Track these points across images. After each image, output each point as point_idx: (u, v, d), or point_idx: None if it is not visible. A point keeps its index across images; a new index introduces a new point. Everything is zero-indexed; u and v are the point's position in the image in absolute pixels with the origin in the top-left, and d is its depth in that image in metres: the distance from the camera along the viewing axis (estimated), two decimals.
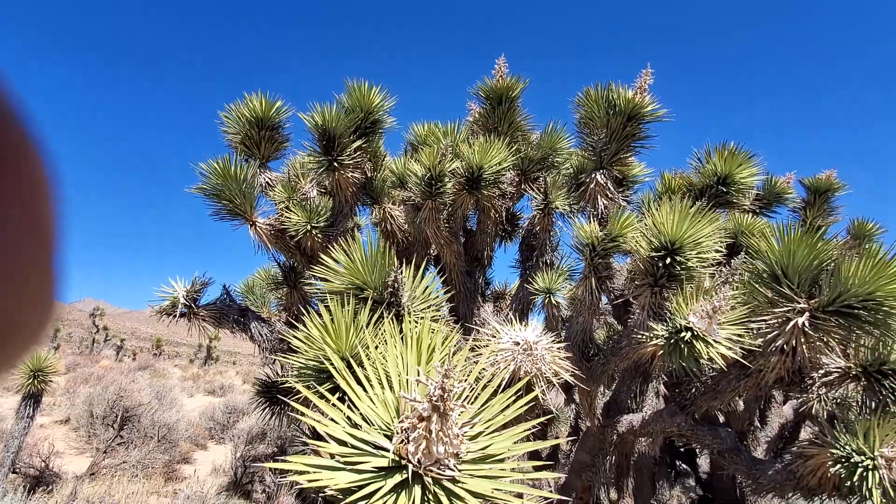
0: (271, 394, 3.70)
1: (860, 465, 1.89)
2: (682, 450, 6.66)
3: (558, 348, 2.18)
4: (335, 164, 3.15)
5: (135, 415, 6.32)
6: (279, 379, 3.47)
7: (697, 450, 6.35)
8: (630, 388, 3.18)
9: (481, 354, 1.95)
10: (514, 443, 1.07)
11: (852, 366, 2.27)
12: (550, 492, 2.91)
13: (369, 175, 3.75)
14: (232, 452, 6.25)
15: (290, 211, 3.30)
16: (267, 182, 3.60)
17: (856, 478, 1.89)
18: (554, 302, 3.32)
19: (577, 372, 2.33)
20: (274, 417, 3.85)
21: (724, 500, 5.09)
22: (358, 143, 3.24)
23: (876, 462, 1.89)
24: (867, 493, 1.90)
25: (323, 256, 2.21)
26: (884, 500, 1.91)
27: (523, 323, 2.24)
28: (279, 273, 4.03)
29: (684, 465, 6.83)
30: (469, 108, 3.97)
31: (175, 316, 3.37)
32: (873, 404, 2.21)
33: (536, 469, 1.32)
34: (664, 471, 6.19)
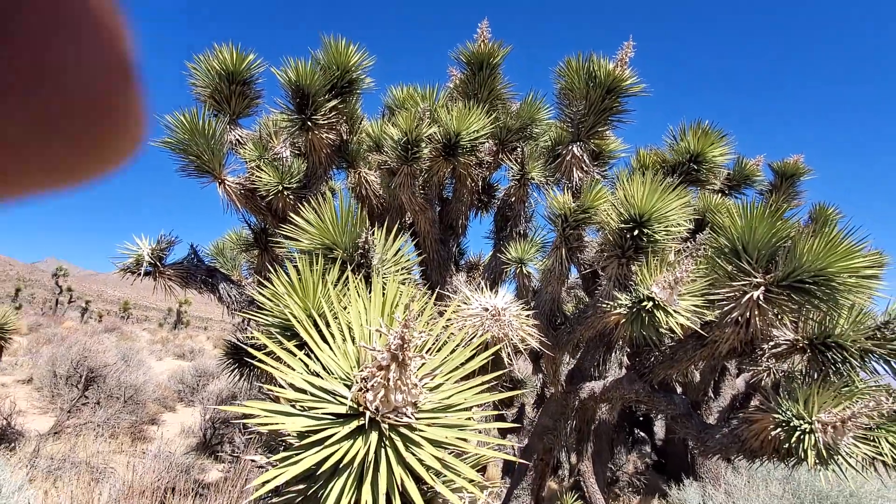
0: (240, 356, 3.68)
1: (798, 428, 2.03)
2: (640, 419, 6.99)
3: (526, 316, 2.22)
4: (309, 123, 3.07)
5: (100, 375, 6.21)
6: (248, 337, 3.45)
7: (653, 416, 6.69)
8: (594, 357, 3.29)
9: (450, 318, 1.98)
10: (475, 395, 1.10)
11: (800, 338, 2.40)
12: (511, 451, 3.03)
13: (345, 137, 3.67)
14: (201, 414, 6.24)
15: (262, 170, 3.21)
16: (237, 139, 3.48)
17: (794, 440, 2.02)
18: (525, 272, 3.37)
19: (543, 339, 2.40)
20: (243, 379, 3.84)
21: (675, 463, 5.40)
22: (333, 102, 3.15)
23: (813, 426, 2.02)
24: (803, 454, 2.04)
25: (293, 216, 2.18)
26: (817, 461, 2.06)
27: (494, 291, 2.27)
28: (250, 235, 3.95)
29: (642, 433, 7.19)
30: (450, 73, 3.89)
31: (140, 274, 3.28)
32: (815, 374, 2.36)
33: (500, 430, 1.37)
34: (622, 437, 6.51)
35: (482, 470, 1.37)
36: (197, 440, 6.12)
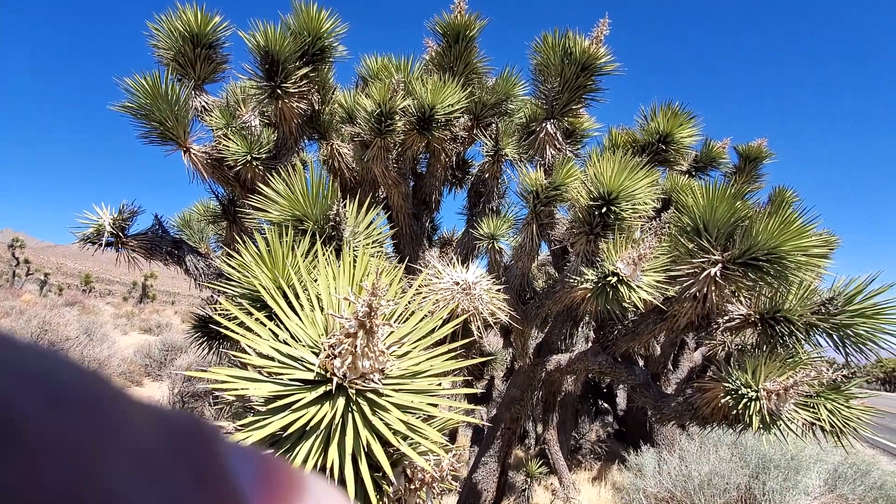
0: (209, 329, 3.63)
1: (746, 396, 2.17)
2: (603, 390, 7.30)
3: (497, 290, 2.27)
4: (279, 91, 2.97)
5: (62, 349, 6.02)
6: (217, 309, 3.40)
7: (615, 387, 7.00)
8: (561, 331, 3.40)
9: (420, 290, 2.00)
10: (443, 362, 1.13)
11: (752, 313, 2.54)
12: (480, 418, 3.13)
13: (317, 107, 3.57)
14: (169, 388, 6.16)
15: (229, 139, 3.11)
16: (203, 106, 3.35)
17: (741, 406, 2.17)
18: (497, 248, 3.41)
19: (512, 313, 2.46)
20: (212, 353, 3.80)
21: (635, 432, 5.69)
22: (304, 70, 3.06)
23: (759, 394, 2.17)
24: (748, 420, 2.19)
25: (262, 186, 2.13)
26: (761, 426, 2.22)
27: (465, 266, 2.31)
28: (218, 206, 3.85)
29: (604, 404, 7.52)
30: (426, 44, 3.82)
31: (100, 245, 3.16)
32: (765, 347, 2.51)
33: (469, 400, 1.41)
34: (586, 408, 6.80)
35: (451, 437, 1.42)
36: None
